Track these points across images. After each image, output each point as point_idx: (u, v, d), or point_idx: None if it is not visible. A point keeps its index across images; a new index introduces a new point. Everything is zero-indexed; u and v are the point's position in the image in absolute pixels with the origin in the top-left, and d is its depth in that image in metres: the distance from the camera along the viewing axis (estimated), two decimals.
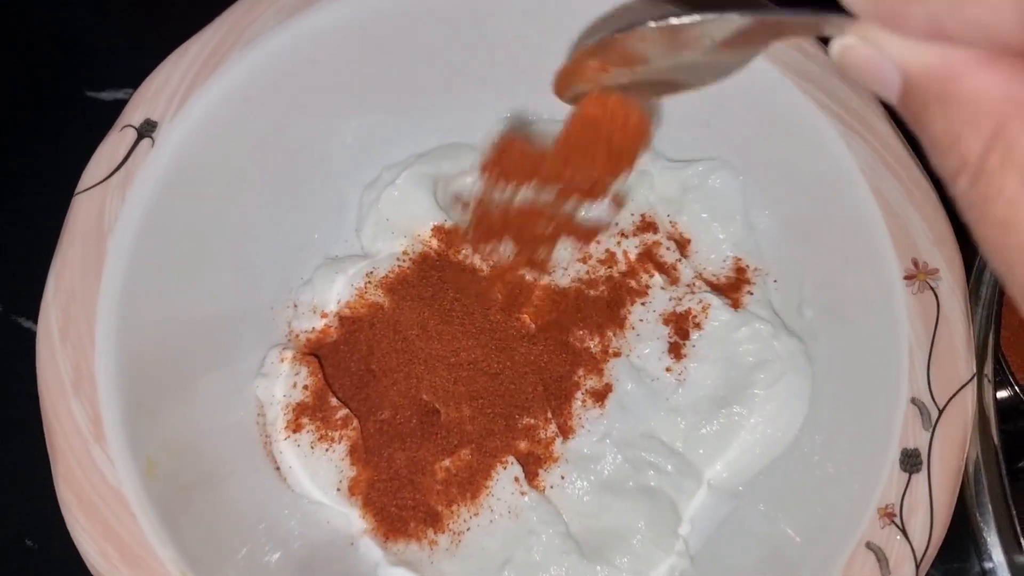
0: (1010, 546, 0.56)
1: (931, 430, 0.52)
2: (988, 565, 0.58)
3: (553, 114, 0.71)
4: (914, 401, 0.53)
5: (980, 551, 0.59)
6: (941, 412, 0.52)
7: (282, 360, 0.63)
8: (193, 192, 0.59)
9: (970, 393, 0.53)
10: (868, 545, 0.51)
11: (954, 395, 0.53)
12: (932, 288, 0.55)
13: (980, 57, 0.27)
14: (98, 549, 0.48)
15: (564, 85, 0.44)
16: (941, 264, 0.55)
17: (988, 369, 0.56)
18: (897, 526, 0.51)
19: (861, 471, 0.54)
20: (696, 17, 0.34)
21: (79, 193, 0.54)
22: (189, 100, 0.57)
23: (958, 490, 0.51)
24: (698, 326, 0.64)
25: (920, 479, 0.51)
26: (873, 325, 0.57)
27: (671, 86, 0.42)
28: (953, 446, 0.52)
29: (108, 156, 0.55)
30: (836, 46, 0.31)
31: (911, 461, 0.52)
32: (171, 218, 0.57)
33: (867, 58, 0.30)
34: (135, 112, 0.56)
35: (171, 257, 0.58)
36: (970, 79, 0.27)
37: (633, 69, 0.41)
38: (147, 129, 0.56)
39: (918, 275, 0.55)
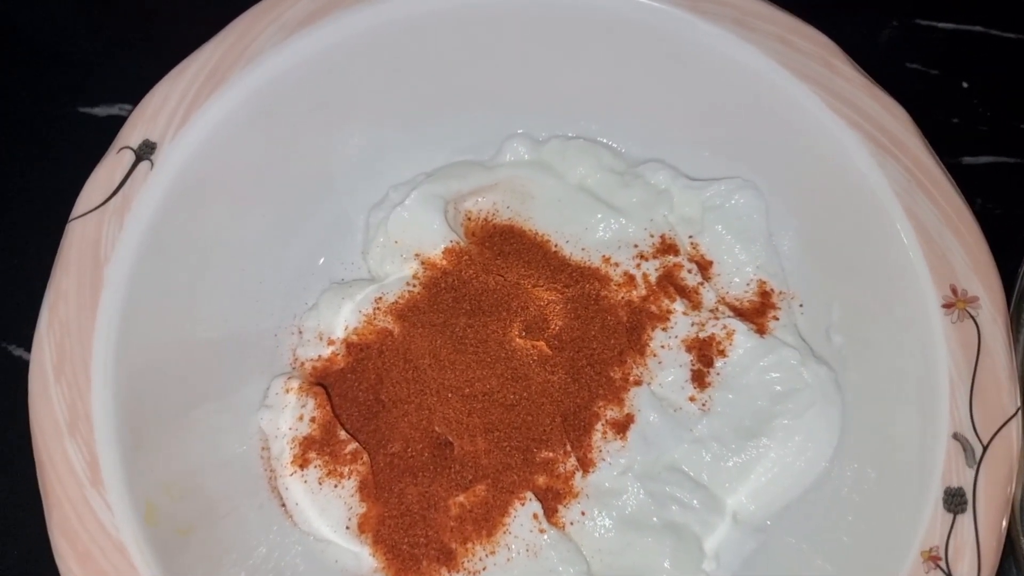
0: None
1: (975, 467, 0.50)
2: None
3: (565, 131, 0.68)
4: (956, 436, 0.51)
5: None
6: (986, 448, 0.50)
7: (287, 391, 0.61)
8: (194, 216, 0.56)
9: (1015, 428, 0.50)
10: None
11: (999, 430, 0.50)
12: (972, 317, 0.52)
13: None
14: None
15: None
16: (980, 292, 0.53)
17: None
18: (943, 570, 0.48)
19: (899, 510, 0.52)
20: None
21: (74, 219, 0.51)
22: (189, 120, 0.55)
23: (1006, 530, 0.49)
24: (722, 353, 0.62)
25: (966, 520, 0.49)
26: (909, 355, 0.55)
27: None
28: (999, 484, 0.49)
29: (104, 180, 0.52)
30: None
31: (955, 500, 0.49)
32: (171, 244, 0.55)
33: None
34: (133, 133, 0.54)
35: (171, 286, 0.55)
36: None
37: None
38: (146, 151, 0.53)
39: (957, 303, 0.53)
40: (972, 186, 0.74)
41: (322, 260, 0.66)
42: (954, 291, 0.53)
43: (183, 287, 0.57)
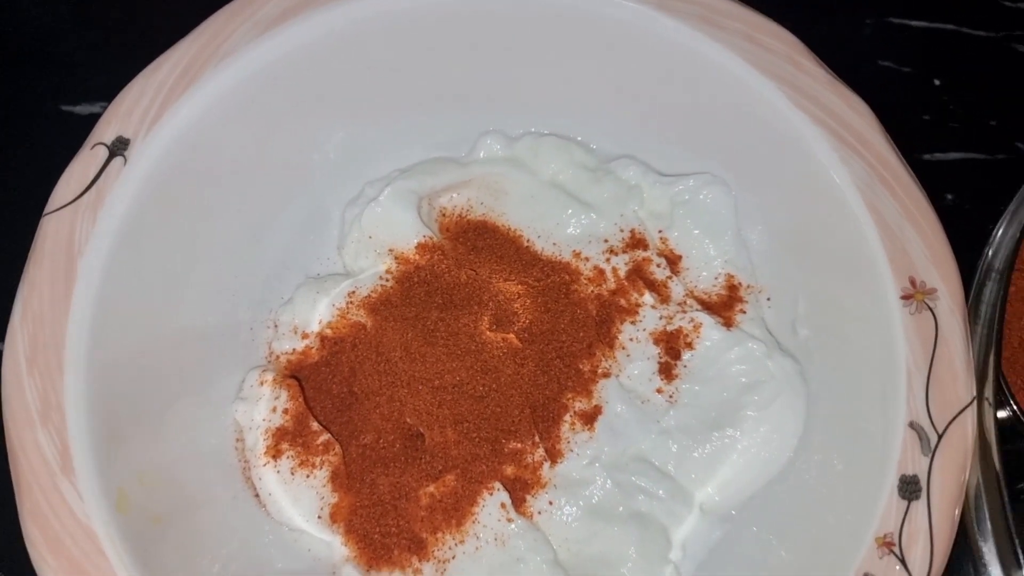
0: (1011, 569, 0.55)
1: (931, 456, 0.51)
2: None
3: (539, 128, 0.69)
4: (912, 425, 0.52)
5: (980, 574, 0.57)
6: (941, 437, 0.51)
7: (261, 383, 0.61)
8: (168, 211, 0.57)
9: (970, 417, 0.51)
10: None
11: (954, 419, 0.51)
12: (930, 308, 0.53)
13: None
14: None
15: None
16: (939, 284, 0.54)
17: (988, 391, 0.55)
18: (896, 556, 0.49)
19: (858, 497, 0.53)
20: None
21: (48, 214, 0.52)
22: (163, 117, 0.56)
23: (959, 517, 0.50)
24: (689, 346, 0.63)
25: (920, 507, 0.50)
26: (869, 345, 0.56)
27: None
28: (953, 472, 0.50)
29: (78, 175, 0.53)
30: None
31: (910, 488, 0.50)
32: (145, 238, 0.55)
33: None
34: (107, 129, 0.55)
35: (145, 279, 0.56)
36: None
37: None
38: (119, 147, 0.54)
39: (915, 295, 0.54)
40: (943, 182, 0.76)
41: (297, 255, 0.67)
42: (913, 283, 0.54)
43: (157, 281, 0.57)
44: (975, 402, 0.52)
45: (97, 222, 0.53)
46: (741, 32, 0.60)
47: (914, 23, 0.84)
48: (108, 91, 0.75)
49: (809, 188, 0.60)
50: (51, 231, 0.52)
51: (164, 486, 0.55)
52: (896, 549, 0.49)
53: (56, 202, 0.53)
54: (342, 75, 0.63)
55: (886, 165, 0.57)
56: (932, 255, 0.55)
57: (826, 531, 0.55)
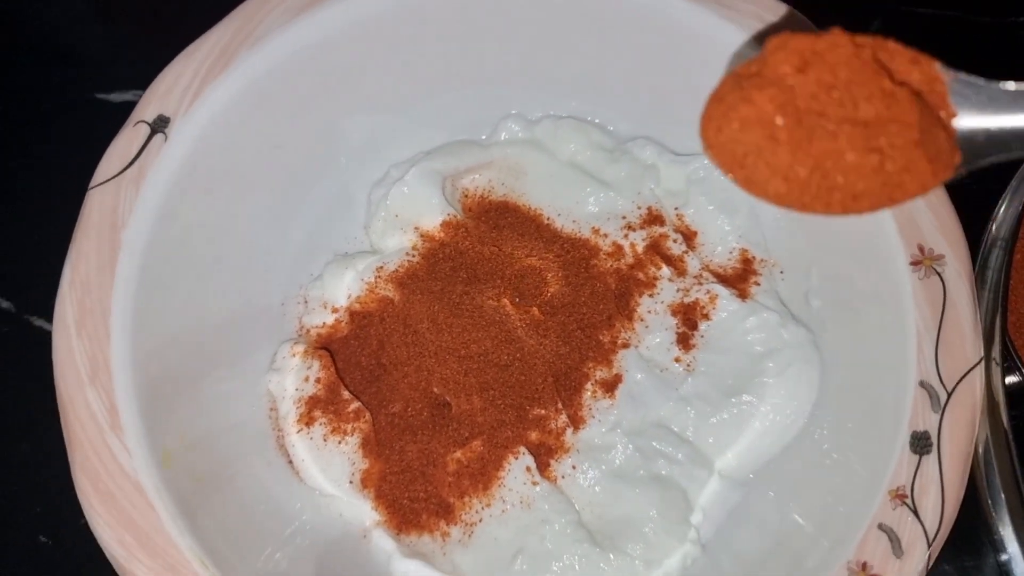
0: (1020, 521, 0.56)
1: (940, 412, 0.53)
2: (1003, 557, 0.59)
3: (558, 110, 0.72)
4: (923, 384, 0.53)
5: (995, 543, 0.59)
6: (950, 394, 0.53)
7: (293, 355, 0.64)
8: (205, 187, 0.59)
9: (978, 375, 0.53)
10: (880, 527, 0.51)
11: (962, 377, 0.53)
12: (938, 273, 0.55)
13: None
14: (116, 537, 0.49)
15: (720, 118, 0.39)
16: (946, 250, 0.56)
17: (996, 352, 0.57)
18: (908, 507, 0.51)
19: (871, 455, 0.55)
20: None
21: (93, 187, 0.55)
22: (200, 97, 0.58)
23: (968, 470, 0.52)
24: (706, 316, 0.65)
25: (931, 460, 0.52)
26: (880, 311, 0.58)
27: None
28: (963, 427, 0.52)
29: (121, 151, 0.56)
30: None
31: (921, 443, 0.52)
32: (183, 213, 0.58)
33: None
34: (147, 108, 0.57)
35: (183, 251, 0.59)
36: None
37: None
38: (160, 125, 0.57)
39: (924, 261, 0.56)
40: None
41: (325, 234, 0.69)
42: (921, 250, 0.56)
43: (195, 255, 0.60)
44: (983, 362, 0.54)
45: (139, 195, 0.55)
46: (753, 14, 0.62)
47: (921, 10, 0.86)
48: (138, 80, 0.78)
49: None
50: (97, 203, 0.55)
51: (204, 449, 0.57)
52: (908, 501, 0.51)
53: (101, 176, 0.55)
54: (369, 59, 0.65)
55: None
56: (939, 224, 0.56)
57: (841, 489, 0.57)
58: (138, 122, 0.57)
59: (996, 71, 0.82)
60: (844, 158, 0.37)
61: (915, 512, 0.51)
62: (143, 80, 0.58)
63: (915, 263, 0.56)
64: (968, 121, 0.39)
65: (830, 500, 0.57)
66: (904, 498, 0.51)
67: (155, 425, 0.53)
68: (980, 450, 0.56)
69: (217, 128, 0.59)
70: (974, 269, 0.57)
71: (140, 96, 0.58)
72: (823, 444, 0.60)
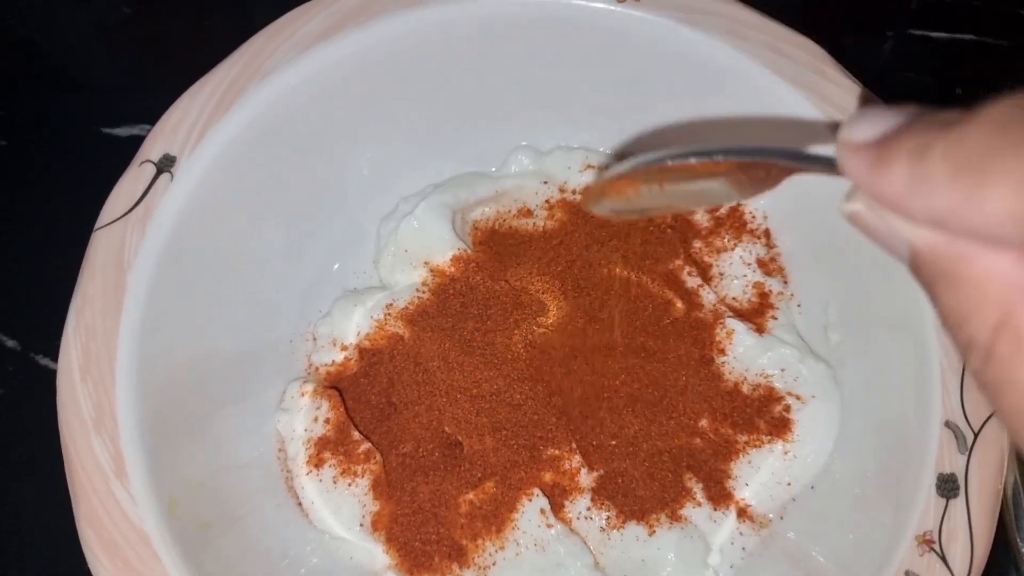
0: None
1: (967, 454, 0.51)
2: None
3: (569, 142, 0.71)
4: (948, 424, 0.52)
5: None
6: (977, 435, 0.51)
7: (302, 394, 0.63)
8: (212, 226, 0.59)
9: None
10: (907, 574, 0.50)
11: (989, 417, 0.52)
12: None
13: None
14: None
15: (592, 200, 0.45)
16: None
17: None
18: (937, 553, 0.49)
19: (896, 497, 0.53)
20: (691, 159, 0.36)
21: (99, 229, 0.54)
22: (207, 134, 0.57)
23: (998, 514, 0.50)
24: (722, 351, 0.63)
25: (958, 504, 0.50)
26: (902, 348, 0.57)
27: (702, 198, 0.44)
28: (991, 469, 0.51)
29: (127, 191, 0.55)
30: (844, 208, 0.32)
31: (948, 486, 0.51)
32: (190, 252, 0.57)
33: (875, 226, 0.30)
34: (154, 147, 0.56)
35: (190, 292, 0.58)
36: (975, 263, 0.27)
37: (661, 187, 0.42)
38: (166, 164, 0.56)
39: None
40: None
41: (335, 269, 0.69)
42: None
43: (202, 294, 0.59)
44: None
45: (146, 236, 0.54)
46: (765, 43, 0.61)
47: (935, 34, 0.85)
48: (146, 114, 0.78)
49: (838, 195, 0.60)
50: (102, 245, 0.54)
51: (211, 493, 0.56)
52: (936, 546, 0.50)
53: (106, 217, 0.54)
54: (377, 92, 0.65)
55: None
56: None
57: (865, 532, 0.55)
58: (144, 161, 0.56)
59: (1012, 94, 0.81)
60: None
61: (943, 559, 0.49)
62: (150, 114, 0.57)
63: None
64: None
65: (854, 543, 0.56)
66: (932, 544, 0.50)
67: (161, 471, 0.52)
68: (1008, 492, 0.54)
69: (224, 165, 0.58)
70: None
71: (146, 130, 0.57)
72: (844, 484, 0.59)
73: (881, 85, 0.61)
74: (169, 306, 0.55)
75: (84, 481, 0.49)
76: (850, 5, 0.88)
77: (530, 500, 0.59)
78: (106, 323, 0.52)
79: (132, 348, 0.52)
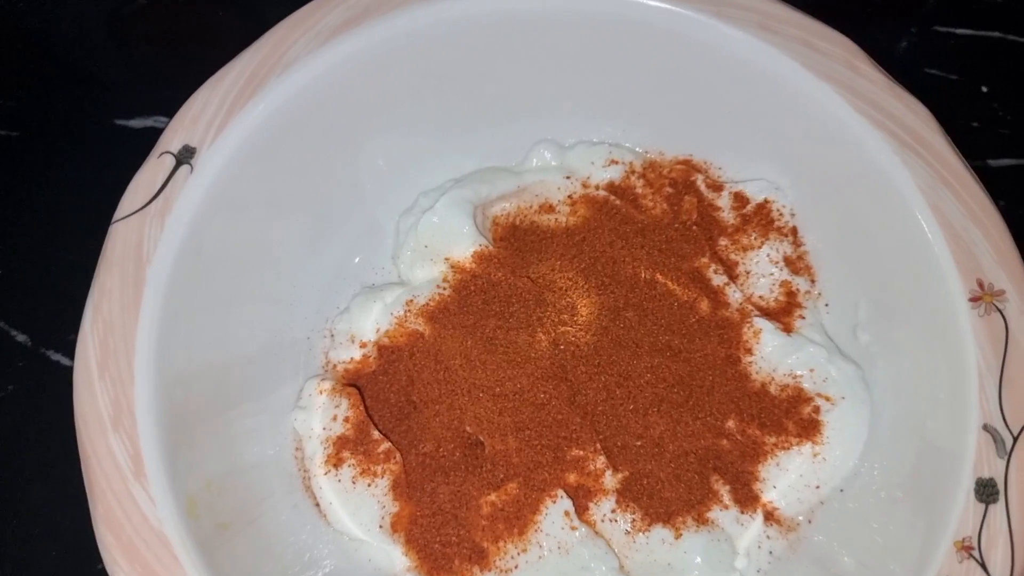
0: None
1: (1007, 458, 0.50)
2: None
3: (591, 136, 0.70)
4: (986, 428, 0.51)
5: None
6: (1016, 439, 0.50)
7: (320, 392, 0.61)
8: (231, 219, 0.57)
9: None
10: None
11: None
12: (999, 310, 0.53)
13: None
14: None
15: None
16: (1007, 285, 0.53)
17: None
18: (976, 560, 0.48)
19: (930, 502, 0.52)
20: None
21: (117, 221, 0.53)
22: (228, 125, 0.56)
23: None
24: (749, 351, 0.62)
25: (998, 510, 0.49)
26: (936, 350, 0.55)
27: None
28: None
29: (146, 183, 0.54)
30: None
31: (987, 491, 0.49)
32: (209, 246, 0.56)
33: None
34: (173, 138, 0.55)
35: (209, 286, 0.56)
36: None
37: None
38: (186, 155, 0.55)
39: (984, 296, 0.53)
40: (996, 188, 0.74)
41: (352, 265, 0.68)
42: (980, 285, 0.54)
43: (220, 289, 0.58)
44: None
45: (165, 229, 0.53)
46: (797, 37, 0.60)
47: (959, 31, 0.84)
48: (159, 106, 0.77)
49: (869, 191, 0.59)
50: (120, 238, 0.52)
51: (229, 494, 0.55)
52: (976, 553, 0.49)
53: (125, 209, 0.53)
54: (398, 85, 0.64)
55: (947, 166, 0.57)
56: (999, 256, 0.54)
57: (896, 538, 0.54)
58: (163, 153, 0.55)
59: None
60: None
61: (983, 565, 0.48)
62: (163, 106, 0.57)
63: (974, 299, 0.53)
64: None
65: (886, 547, 0.55)
66: (971, 550, 0.49)
67: (180, 471, 0.50)
68: None
69: (244, 157, 0.57)
70: None
71: (160, 122, 0.56)
72: (874, 487, 0.58)
73: (905, 82, 0.60)
74: (188, 301, 0.54)
75: (102, 481, 0.48)
76: (873, 1, 0.86)
77: (554, 502, 0.58)
78: (124, 318, 0.51)
79: (151, 344, 0.51)
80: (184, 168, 0.54)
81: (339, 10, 0.60)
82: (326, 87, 0.60)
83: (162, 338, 0.52)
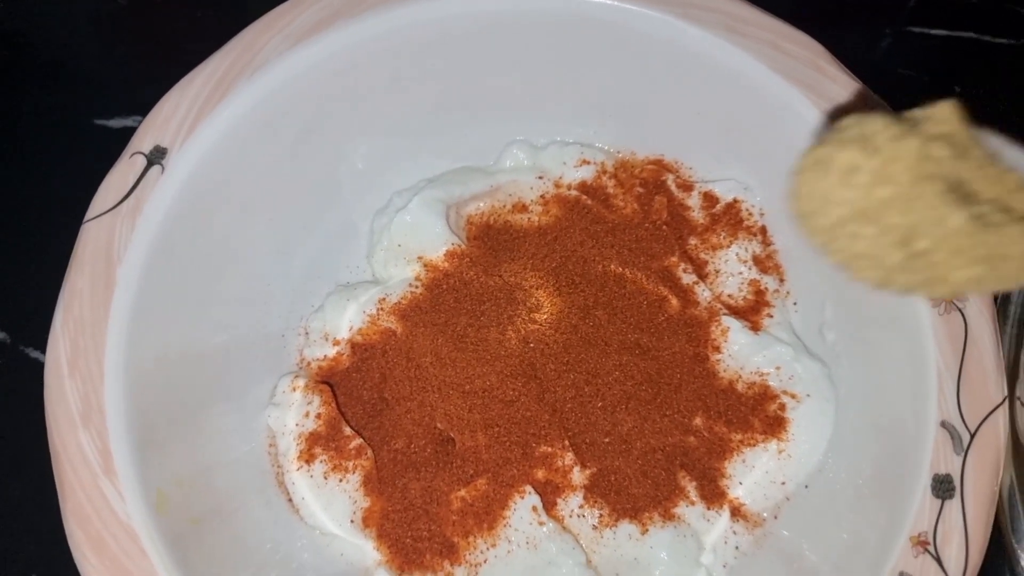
0: None
1: (963, 454, 0.51)
2: None
3: (564, 136, 0.70)
4: (944, 425, 0.52)
5: None
6: (973, 436, 0.51)
7: (294, 389, 0.62)
8: (203, 219, 0.58)
9: (1002, 416, 0.51)
10: (902, 575, 0.49)
11: (986, 418, 0.51)
12: (959, 309, 0.54)
13: None
14: None
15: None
16: None
17: (1020, 390, 0.55)
18: (931, 555, 0.49)
19: (890, 497, 0.53)
20: None
21: (88, 221, 0.53)
22: (198, 126, 0.57)
23: (993, 515, 0.50)
24: (717, 349, 0.63)
25: (953, 505, 0.50)
26: (898, 348, 0.56)
27: None
28: (987, 470, 0.50)
29: (117, 183, 0.54)
30: None
31: (944, 487, 0.50)
32: (181, 246, 0.56)
33: None
34: (144, 139, 0.56)
35: (181, 285, 0.57)
36: None
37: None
38: (157, 156, 0.55)
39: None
40: None
41: (327, 263, 0.68)
42: None
43: (193, 288, 0.58)
44: (1006, 401, 0.52)
45: (136, 229, 0.54)
46: (764, 39, 0.61)
47: (934, 32, 0.84)
48: (139, 106, 0.77)
49: None
50: (91, 238, 0.53)
51: (200, 489, 0.55)
52: (931, 548, 0.49)
53: (96, 209, 0.54)
54: (370, 86, 0.64)
55: None
56: None
57: (859, 532, 0.55)
58: (134, 153, 0.55)
59: (1012, 93, 0.81)
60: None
61: (938, 560, 0.49)
62: (143, 106, 0.57)
63: (935, 299, 0.54)
64: None
65: (848, 543, 0.55)
66: (926, 545, 0.49)
67: (150, 467, 0.51)
68: (1004, 493, 0.54)
69: (216, 158, 0.58)
70: (996, 304, 0.55)
71: (139, 122, 0.56)
72: (839, 484, 0.59)
73: (879, 82, 0.61)
74: (159, 300, 0.55)
75: (71, 477, 0.48)
76: (848, 2, 0.87)
77: (522, 497, 0.59)
78: (95, 317, 0.52)
79: (121, 342, 0.52)
80: (155, 168, 0.55)
81: (311, 11, 0.60)
82: (298, 88, 0.60)
83: (132, 337, 0.52)
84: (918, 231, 0.35)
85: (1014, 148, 0.34)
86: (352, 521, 0.60)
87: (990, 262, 0.36)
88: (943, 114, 0.37)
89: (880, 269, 0.36)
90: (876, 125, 0.35)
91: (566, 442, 0.60)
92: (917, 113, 0.38)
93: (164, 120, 0.56)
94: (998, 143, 0.35)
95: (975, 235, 0.35)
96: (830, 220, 0.35)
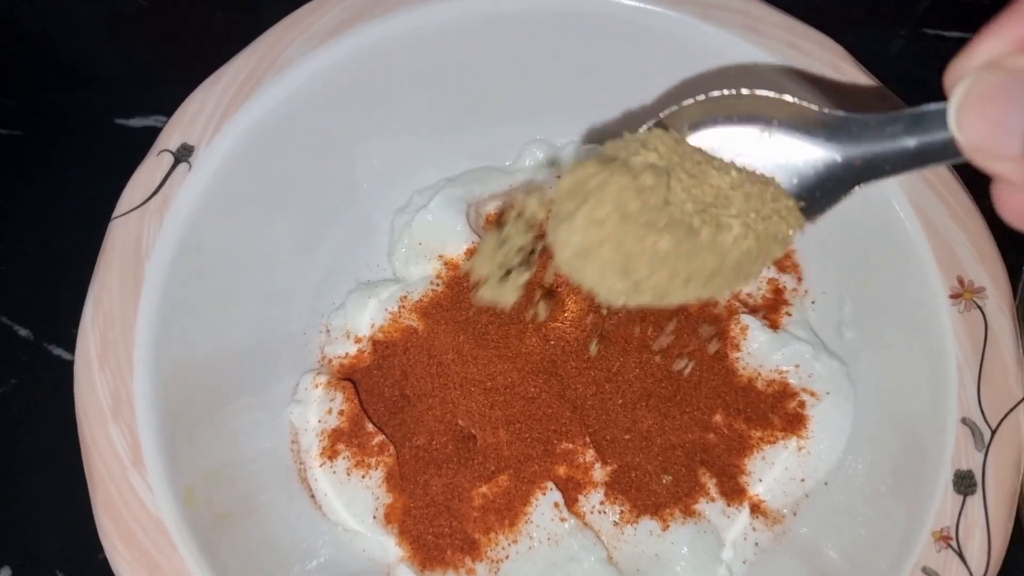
0: None
1: (984, 450, 0.51)
2: None
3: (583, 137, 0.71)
4: (965, 421, 0.52)
5: None
6: (994, 432, 0.51)
7: (316, 386, 0.63)
8: (228, 216, 0.58)
9: (1023, 411, 0.52)
10: (924, 570, 0.50)
11: (1007, 414, 0.52)
12: (979, 306, 0.54)
13: None
14: None
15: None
16: (987, 282, 0.54)
17: None
18: (954, 550, 0.49)
19: (911, 494, 0.53)
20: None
21: (116, 217, 0.54)
22: (225, 125, 0.57)
23: (1015, 510, 0.50)
24: (736, 347, 0.63)
25: (975, 501, 0.50)
26: (918, 345, 0.56)
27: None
28: (1008, 466, 0.51)
29: (145, 181, 0.55)
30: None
31: (965, 483, 0.51)
32: (207, 243, 0.57)
33: None
34: (171, 137, 0.56)
35: (207, 282, 0.58)
36: None
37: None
38: (184, 154, 0.56)
39: (964, 293, 0.54)
40: (980, 188, 0.75)
41: (348, 262, 0.69)
42: (961, 282, 0.55)
43: (218, 285, 0.59)
44: None
45: (163, 226, 0.54)
46: (783, 39, 0.61)
47: (948, 34, 0.85)
48: (159, 106, 0.78)
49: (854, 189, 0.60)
50: (119, 234, 0.54)
51: (225, 484, 0.56)
52: (953, 543, 0.50)
53: (124, 206, 0.54)
54: (392, 86, 0.65)
55: None
56: (979, 254, 0.55)
57: (879, 528, 0.55)
58: (162, 151, 0.56)
59: None
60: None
61: (960, 555, 0.49)
62: (163, 105, 0.58)
63: (955, 296, 0.54)
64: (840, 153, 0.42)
65: (869, 539, 0.56)
66: (949, 540, 0.50)
67: (177, 461, 0.52)
68: None
69: (241, 156, 0.58)
70: (1015, 300, 0.55)
71: (160, 121, 0.57)
72: (859, 480, 0.59)
73: (892, 84, 0.61)
74: (186, 296, 0.55)
75: (101, 469, 0.49)
76: (860, 3, 0.87)
77: (544, 494, 0.59)
78: (124, 312, 0.52)
79: (149, 337, 0.52)
80: (182, 166, 0.56)
81: (334, 12, 0.61)
82: (321, 87, 0.61)
83: (160, 332, 0.53)
84: (632, 262, 0.38)
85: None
86: (374, 517, 0.60)
87: (703, 276, 0.39)
88: (655, 140, 0.41)
89: (613, 295, 0.39)
90: (586, 171, 0.38)
91: (587, 439, 0.60)
92: (640, 136, 0.42)
93: (191, 118, 0.57)
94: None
95: (686, 254, 0.38)
96: (563, 257, 0.39)
